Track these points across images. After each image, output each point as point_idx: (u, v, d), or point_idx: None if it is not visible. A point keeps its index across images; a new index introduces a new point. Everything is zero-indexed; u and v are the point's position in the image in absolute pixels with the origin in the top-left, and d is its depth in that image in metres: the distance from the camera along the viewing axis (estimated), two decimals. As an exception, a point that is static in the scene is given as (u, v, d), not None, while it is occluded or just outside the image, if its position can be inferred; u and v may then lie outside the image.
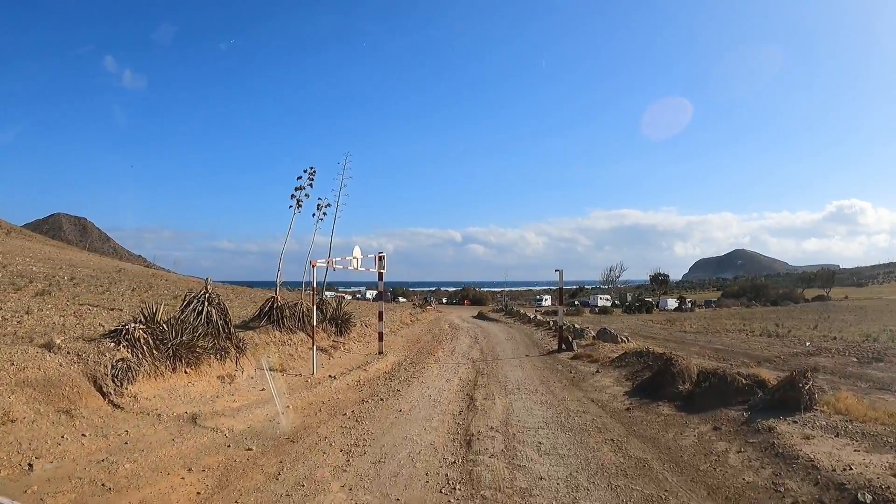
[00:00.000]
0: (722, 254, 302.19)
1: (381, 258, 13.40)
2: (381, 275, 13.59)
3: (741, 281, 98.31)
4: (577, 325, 21.65)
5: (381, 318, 13.72)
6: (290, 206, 13.74)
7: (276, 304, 12.29)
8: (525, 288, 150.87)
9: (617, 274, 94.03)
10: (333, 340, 13.96)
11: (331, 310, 15.09)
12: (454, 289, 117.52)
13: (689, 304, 65.64)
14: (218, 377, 8.25)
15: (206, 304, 8.85)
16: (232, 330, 9.44)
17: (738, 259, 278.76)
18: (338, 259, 12.68)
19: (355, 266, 12.46)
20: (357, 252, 12.43)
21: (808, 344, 20.00)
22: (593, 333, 16.19)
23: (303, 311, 13.10)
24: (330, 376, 9.75)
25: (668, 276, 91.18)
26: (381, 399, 8.20)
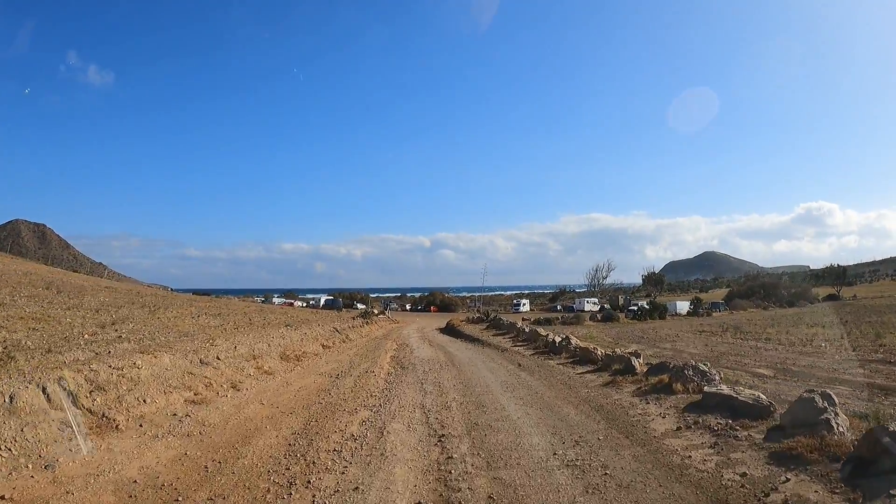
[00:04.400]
0: (692, 256, 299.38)
1: None
2: None
3: (747, 280, 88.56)
4: (632, 353, 8.14)
5: None
6: None
7: None
8: (497, 293, 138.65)
9: (604, 275, 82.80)
10: None
11: None
12: (421, 294, 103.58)
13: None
14: None
15: None
16: None
17: (708, 261, 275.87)
18: None
19: None
20: None
21: None
22: None
23: None
24: None
25: (664, 275, 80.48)
26: None
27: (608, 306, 64.46)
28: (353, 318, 30.57)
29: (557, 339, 12.89)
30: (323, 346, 16.79)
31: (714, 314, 52.42)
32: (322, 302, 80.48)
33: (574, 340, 12.43)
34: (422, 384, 9.54)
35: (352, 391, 8.93)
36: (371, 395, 8.51)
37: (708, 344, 18.58)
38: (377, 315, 39.07)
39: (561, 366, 10.82)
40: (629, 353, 9.41)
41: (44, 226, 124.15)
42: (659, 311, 47.40)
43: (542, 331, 16.18)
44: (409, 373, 11.18)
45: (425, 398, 8.12)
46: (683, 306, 55.16)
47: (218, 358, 10.37)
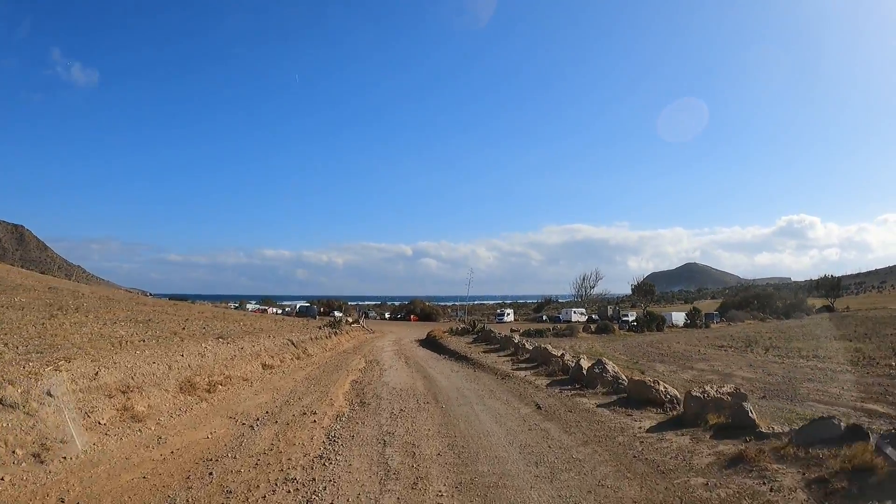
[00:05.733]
0: (674, 267, 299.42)
1: None
2: None
3: (740, 291, 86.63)
4: (734, 393, 4.36)
5: None
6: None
7: None
8: (479, 302, 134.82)
9: (591, 284, 79.74)
10: None
11: None
12: (401, 302, 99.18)
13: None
14: None
15: None
16: None
17: (690, 272, 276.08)
18: None
19: None
20: None
21: None
22: None
23: None
24: None
25: (653, 285, 77.66)
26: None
27: (596, 316, 61.33)
28: (320, 328, 26.32)
29: (585, 364, 8.96)
30: (264, 365, 12.67)
31: (712, 325, 49.49)
32: (297, 309, 75.44)
33: (611, 366, 8.61)
34: (384, 447, 5.62)
35: (257, 465, 4.96)
36: (287, 479, 4.57)
37: (752, 364, 15.00)
38: (351, 324, 34.80)
39: (606, 410, 6.95)
40: (729, 392, 5.68)
41: (22, 227, 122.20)
42: (657, 323, 44.17)
43: (552, 349, 12.32)
44: (370, 417, 7.23)
45: (384, 492, 4.20)
46: (679, 317, 52.11)
47: (49, 394, 6.30)
